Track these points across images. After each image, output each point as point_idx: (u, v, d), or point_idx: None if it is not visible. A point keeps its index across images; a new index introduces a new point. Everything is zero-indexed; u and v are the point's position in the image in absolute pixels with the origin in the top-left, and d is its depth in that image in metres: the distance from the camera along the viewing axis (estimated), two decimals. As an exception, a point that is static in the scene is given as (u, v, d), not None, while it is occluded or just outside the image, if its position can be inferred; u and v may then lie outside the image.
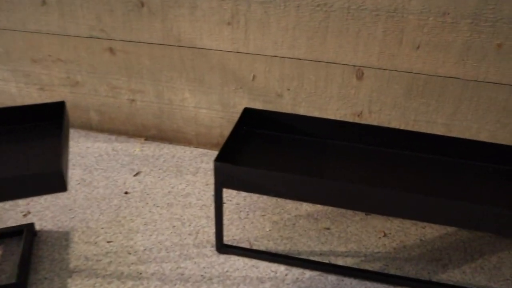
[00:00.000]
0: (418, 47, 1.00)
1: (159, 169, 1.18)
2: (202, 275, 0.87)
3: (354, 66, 1.05)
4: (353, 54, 1.04)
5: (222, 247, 0.91)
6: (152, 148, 1.26)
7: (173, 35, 1.10)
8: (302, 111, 1.13)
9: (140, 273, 0.87)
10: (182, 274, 0.88)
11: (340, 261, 0.93)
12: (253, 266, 0.89)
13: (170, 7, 1.06)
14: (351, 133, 0.97)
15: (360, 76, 1.06)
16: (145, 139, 1.29)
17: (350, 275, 0.89)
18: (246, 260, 0.91)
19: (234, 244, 0.94)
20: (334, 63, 1.06)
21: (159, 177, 1.15)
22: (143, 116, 1.25)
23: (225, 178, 0.81)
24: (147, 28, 1.10)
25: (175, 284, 0.86)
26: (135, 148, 1.24)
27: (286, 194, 0.79)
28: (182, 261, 0.91)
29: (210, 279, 0.87)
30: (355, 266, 0.92)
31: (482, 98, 1.04)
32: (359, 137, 0.97)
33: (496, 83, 1.02)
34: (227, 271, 0.88)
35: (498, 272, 0.94)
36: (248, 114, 0.98)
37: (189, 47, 1.11)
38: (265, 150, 0.94)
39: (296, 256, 0.92)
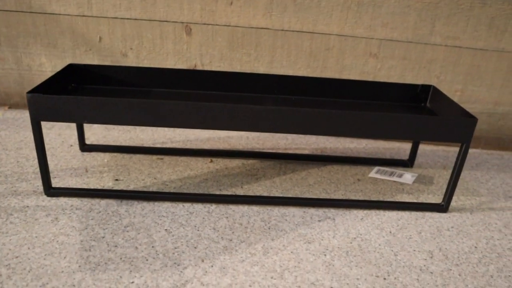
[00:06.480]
0: (231, 3, 1.20)
1: (17, 126, 1.28)
2: (34, 190, 0.98)
3: (182, 23, 1.23)
4: (180, 12, 1.22)
5: (50, 190, 0.95)
6: (14, 114, 1.36)
7: (25, 1, 1.24)
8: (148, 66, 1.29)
9: (-27, 192, 0.96)
10: (15, 191, 0.98)
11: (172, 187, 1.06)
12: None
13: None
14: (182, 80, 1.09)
15: (188, 32, 1.24)
16: (9, 107, 1.38)
17: (181, 200, 0.99)
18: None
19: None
20: (166, 21, 1.23)
21: (15, 131, 1.24)
22: (5, 84, 1.35)
23: (40, 110, 0.86)
24: (1, -2, 1.23)
25: (7, 198, 0.95)
26: (-3, 113, 1.34)
27: (100, 119, 0.87)
28: (18, 183, 1.00)
29: (41, 193, 0.97)
30: (184, 190, 1.04)
31: (292, 46, 1.25)
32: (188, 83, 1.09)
33: (299, 31, 1.23)
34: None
35: (304, 181, 1.11)
36: (74, 71, 1.05)
37: (40, 12, 1.25)
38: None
39: (129, 190, 1.01)
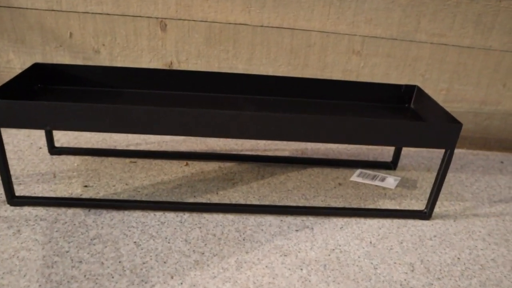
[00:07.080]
0: (208, -2, 1.14)
1: (-17, 127, 1.21)
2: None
3: (157, 18, 1.17)
4: (154, 6, 1.16)
5: (13, 199, 0.90)
6: (-18, 112, 1.30)
7: (-12, -5, 1.16)
8: (119, 66, 1.23)
9: None
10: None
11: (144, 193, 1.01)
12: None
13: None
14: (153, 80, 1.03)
15: (163, 28, 1.18)
16: (-23, 105, 1.32)
17: (152, 208, 0.94)
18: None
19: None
20: (139, 16, 1.17)
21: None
22: (-28, 81, 1.28)
23: (2, 116, 0.80)
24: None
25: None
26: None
27: (63, 125, 0.82)
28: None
29: (4, 202, 0.92)
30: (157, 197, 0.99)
31: (271, 43, 1.19)
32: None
33: (279, 27, 1.17)
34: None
35: (283, 186, 1.06)
36: (40, 70, 1.00)
37: (6, 6, 1.17)
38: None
39: (98, 198, 0.96)
